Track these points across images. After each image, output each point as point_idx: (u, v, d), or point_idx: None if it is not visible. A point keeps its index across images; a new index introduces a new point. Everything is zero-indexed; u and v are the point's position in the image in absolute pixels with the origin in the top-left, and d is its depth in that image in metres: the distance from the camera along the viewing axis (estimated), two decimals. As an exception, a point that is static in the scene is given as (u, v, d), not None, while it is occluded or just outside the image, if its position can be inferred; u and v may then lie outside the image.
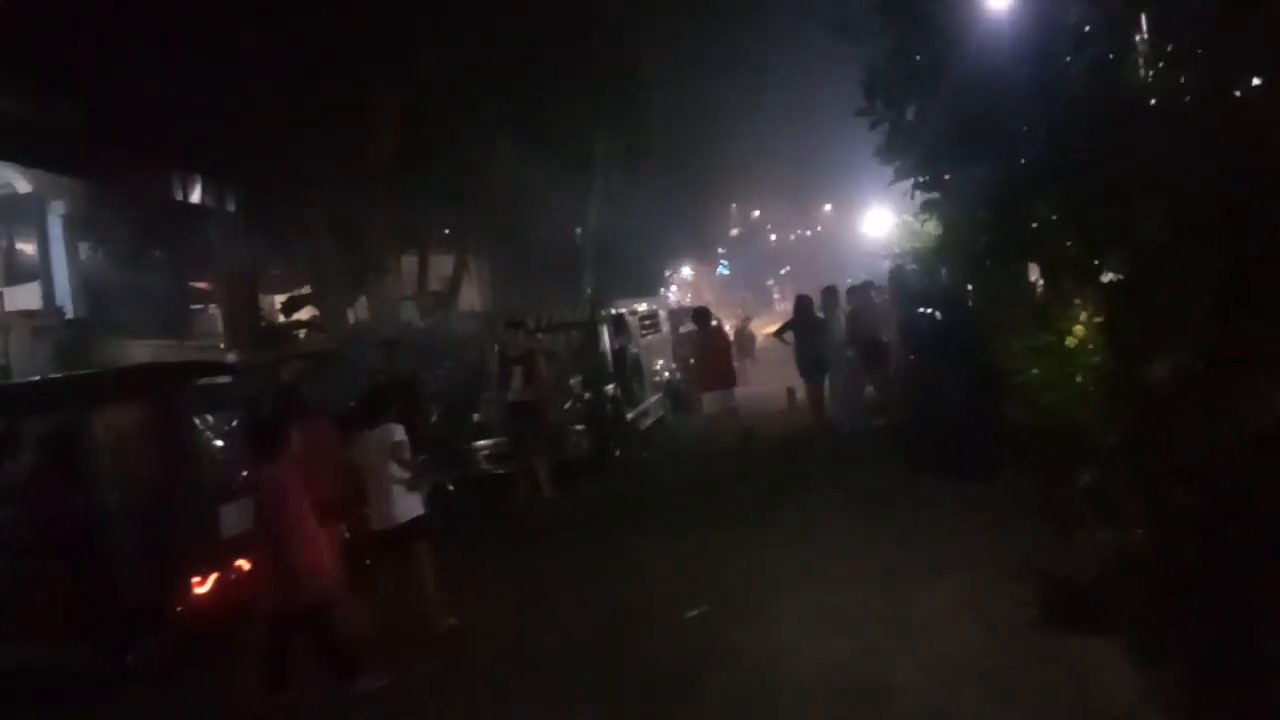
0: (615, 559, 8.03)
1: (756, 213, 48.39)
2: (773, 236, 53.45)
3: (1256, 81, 3.13)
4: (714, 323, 14.85)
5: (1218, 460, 3.04)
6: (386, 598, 6.70)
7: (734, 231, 45.70)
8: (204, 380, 7.84)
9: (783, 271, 54.47)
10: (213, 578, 6.95)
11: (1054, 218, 3.74)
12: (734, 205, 42.42)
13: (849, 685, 4.86)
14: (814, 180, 37.41)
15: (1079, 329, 4.93)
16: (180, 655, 6.63)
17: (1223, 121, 2.98)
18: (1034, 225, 3.79)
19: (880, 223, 22.24)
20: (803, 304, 12.79)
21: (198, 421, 7.26)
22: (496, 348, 12.34)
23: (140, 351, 13.53)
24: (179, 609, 6.78)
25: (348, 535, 7.74)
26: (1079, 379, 5.04)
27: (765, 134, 28.55)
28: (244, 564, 7.25)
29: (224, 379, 8.10)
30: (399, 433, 6.54)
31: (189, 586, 6.83)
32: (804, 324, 12.52)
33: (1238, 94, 3.16)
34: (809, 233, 53.26)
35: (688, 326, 18.31)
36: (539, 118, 17.64)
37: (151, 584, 6.69)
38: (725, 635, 5.81)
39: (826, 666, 5.12)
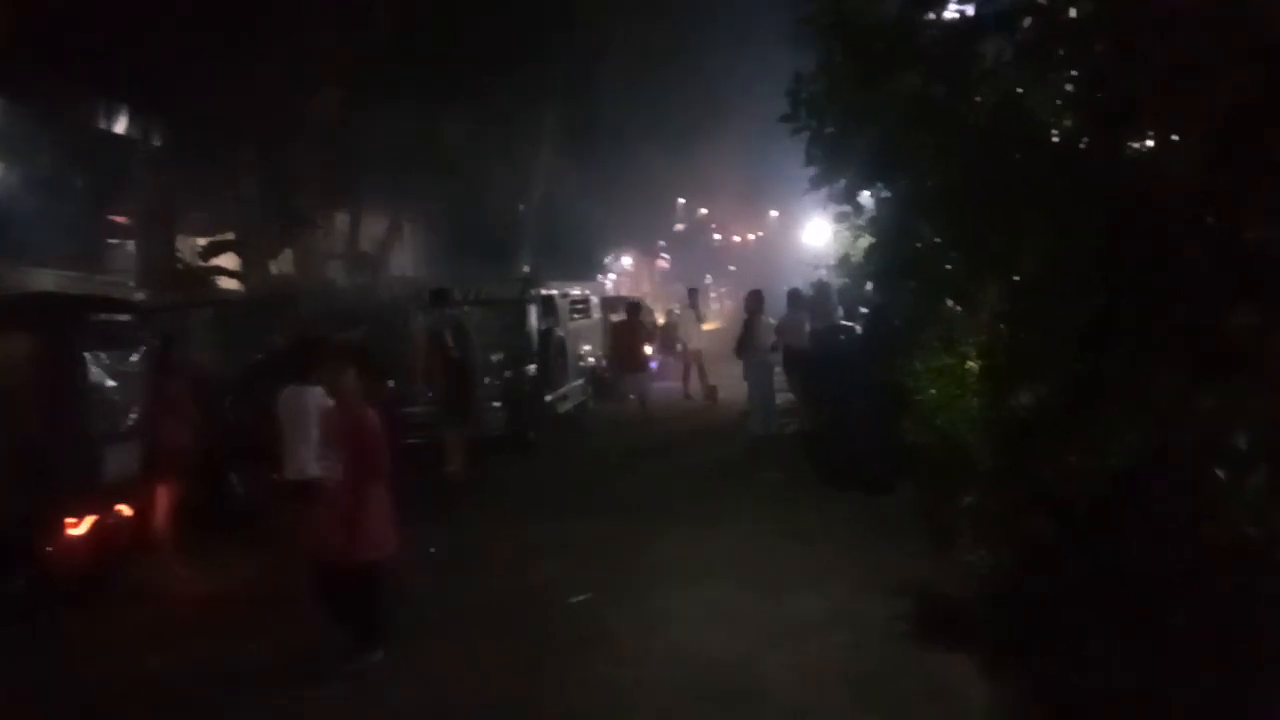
0: (511, 538, 8.02)
1: (703, 211, 48.47)
2: (717, 236, 53.62)
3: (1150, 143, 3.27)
4: (641, 315, 15.40)
5: (1071, 492, 3.16)
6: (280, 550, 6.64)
7: (678, 227, 45.68)
8: (102, 316, 7.54)
9: (729, 270, 54.58)
10: (89, 520, 6.71)
11: (937, 241, 3.83)
12: (681, 201, 42.42)
13: (716, 680, 4.94)
14: (762, 185, 37.56)
15: (976, 353, 5.06)
16: (47, 597, 6.40)
17: (1111, 171, 3.09)
18: (918, 246, 3.89)
19: (818, 233, 22.48)
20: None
21: (90, 359, 6.96)
22: (420, 316, 12.18)
23: (46, 280, 12.94)
24: (49, 549, 6.53)
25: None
26: (973, 402, 5.17)
27: (716, 134, 28.58)
28: (124, 508, 7.04)
29: (124, 317, 7.78)
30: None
31: (62, 527, 6.59)
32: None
33: (1133, 145, 3.28)
34: (752, 236, 53.60)
35: (619, 315, 18.54)
36: (489, 89, 17.40)
37: (22, 521, 6.44)
38: (604, 623, 5.85)
39: (697, 660, 5.20)
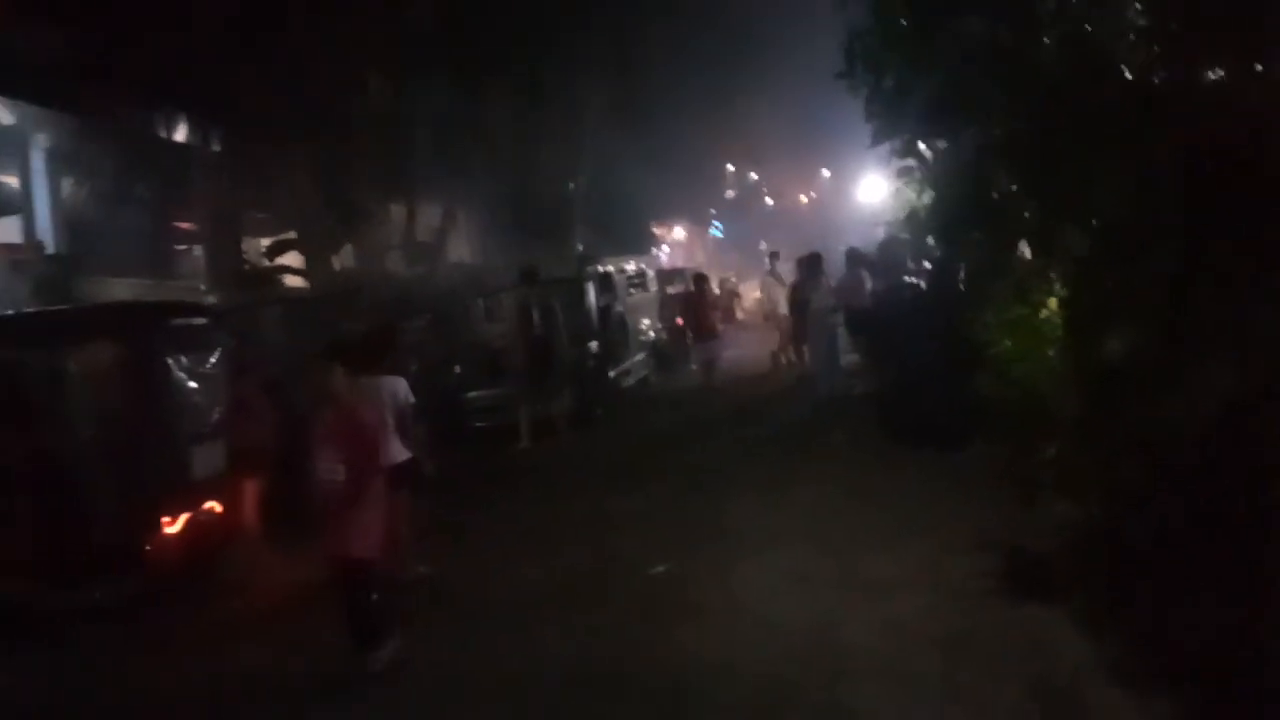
0: (588, 513, 8.09)
1: (754, 176, 47.88)
2: (769, 200, 52.96)
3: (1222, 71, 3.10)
4: (706, 285, 15.42)
5: (1166, 439, 3.06)
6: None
7: (730, 193, 45.25)
8: (180, 320, 7.77)
9: (784, 234, 53.92)
10: (183, 519, 6.95)
11: (1014, 188, 3.71)
12: (730, 167, 41.98)
13: (808, 645, 4.92)
14: (812, 145, 37.01)
15: (1052, 302, 4.93)
16: (148, 595, 6.66)
17: (1192, 104, 2.95)
18: (995, 195, 3.76)
19: (874, 190, 22.10)
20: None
21: (171, 361, 7.19)
22: (501, 299, 12.40)
23: (121, 289, 13.40)
24: (148, 549, 6.78)
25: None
26: (1050, 352, 5.04)
27: (764, 97, 28.19)
28: (215, 505, 7.28)
29: (200, 320, 8.01)
30: (403, 388, 6.55)
31: (159, 527, 6.84)
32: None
33: (1211, 75, 3.13)
34: (805, 199, 52.82)
35: (677, 287, 18.53)
36: (532, 70, 17.38)
37: (121, 523, 6.68)
38: (687, 592, 5.87)
39: (786, 626, 5.18)
